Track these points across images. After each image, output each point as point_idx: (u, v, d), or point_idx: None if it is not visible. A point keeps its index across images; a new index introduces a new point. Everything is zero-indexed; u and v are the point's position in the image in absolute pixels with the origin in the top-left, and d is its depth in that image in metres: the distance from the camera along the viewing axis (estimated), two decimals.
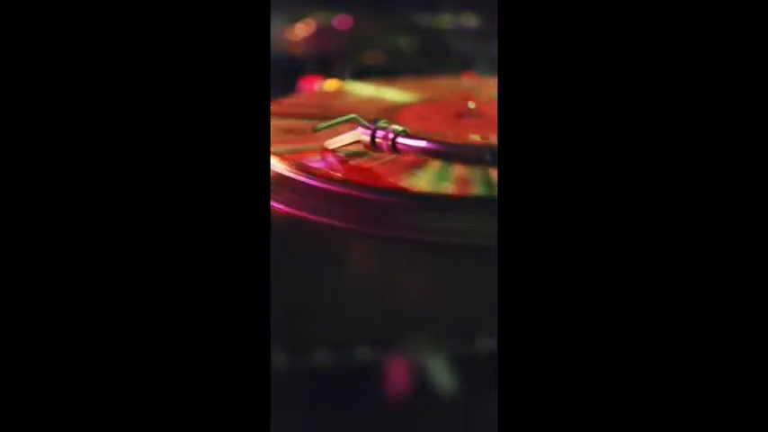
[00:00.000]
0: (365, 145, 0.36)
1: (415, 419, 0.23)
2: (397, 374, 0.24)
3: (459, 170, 0.35)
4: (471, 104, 0.42)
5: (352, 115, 0.36)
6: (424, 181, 0.34)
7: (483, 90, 0.47)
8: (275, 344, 0.24)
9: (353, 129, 0.36)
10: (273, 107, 0.38)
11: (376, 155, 0.36)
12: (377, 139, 0.35)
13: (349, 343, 0.25)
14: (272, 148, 0.35)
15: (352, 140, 0.36)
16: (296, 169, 0.35)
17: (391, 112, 0.43)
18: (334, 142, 0.37)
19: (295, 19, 0.67)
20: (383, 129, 0.35)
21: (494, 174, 0.34)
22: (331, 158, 0.36)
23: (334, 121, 0.37)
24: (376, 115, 0.37)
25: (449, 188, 0.33)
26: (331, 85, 0.52)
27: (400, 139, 0.35)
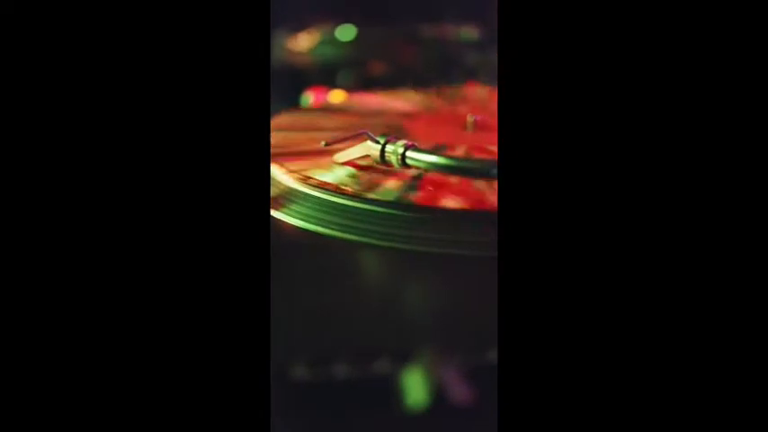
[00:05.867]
0: (374, 159, 0.36)
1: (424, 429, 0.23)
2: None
3: None
4: (471, 118, 0.43)
5: (361, 131, 0.37)
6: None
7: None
8: (275, 355, 0.24)
9: (363, 143, 0.36)
10: None
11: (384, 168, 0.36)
12: (386, 154, 0.35)
13: (358, 356, 0.25)
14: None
15: (360, 154, 0.37)
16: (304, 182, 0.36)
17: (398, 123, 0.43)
18: (344, 156, 0.37)
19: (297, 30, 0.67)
20: (392, 143, 0.35)
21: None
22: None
23: (343, 137, 0.37)
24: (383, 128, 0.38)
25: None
26: (337, 96, 0.53)
27: (409, 153, 0.35)
